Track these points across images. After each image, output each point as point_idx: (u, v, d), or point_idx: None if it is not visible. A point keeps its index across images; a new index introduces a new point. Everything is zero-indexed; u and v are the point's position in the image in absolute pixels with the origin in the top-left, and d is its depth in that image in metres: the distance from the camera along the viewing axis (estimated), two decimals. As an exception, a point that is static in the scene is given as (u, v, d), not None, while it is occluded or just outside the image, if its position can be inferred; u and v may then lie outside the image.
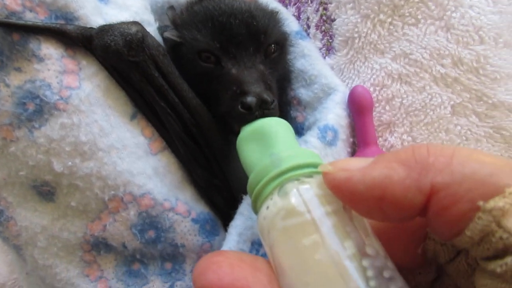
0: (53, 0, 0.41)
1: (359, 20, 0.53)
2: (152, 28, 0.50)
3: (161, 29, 0.52)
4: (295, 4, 0.63)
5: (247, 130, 0.39)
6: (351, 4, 0.54)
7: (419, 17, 0.50)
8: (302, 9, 0.61)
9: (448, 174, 0.21)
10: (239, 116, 0.41)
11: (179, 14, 0.51)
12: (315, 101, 0.54)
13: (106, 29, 0.41)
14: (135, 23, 0.43)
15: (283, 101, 0.57)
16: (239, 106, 0.41)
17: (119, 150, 0.42)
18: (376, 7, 0.52)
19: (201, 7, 0.49)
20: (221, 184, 0.47)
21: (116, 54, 0.41)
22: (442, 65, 0.50)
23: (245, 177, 0.44)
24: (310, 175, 0.29)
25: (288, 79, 0.57)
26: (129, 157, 0.43)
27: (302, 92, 0.55)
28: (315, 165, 0.31)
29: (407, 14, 0.51)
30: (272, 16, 0.51)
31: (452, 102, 0.50)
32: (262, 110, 0.40)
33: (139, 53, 0.41)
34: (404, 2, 0.51)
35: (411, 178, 0.21)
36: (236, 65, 0.44)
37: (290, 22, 0.59)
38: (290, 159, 0.31)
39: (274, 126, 0.38)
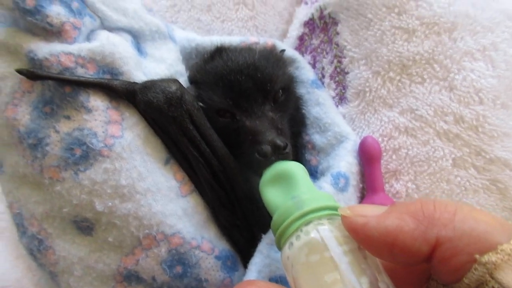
0: (102, 58, 0.46)
1: (370, 75, 0.57)
2: (183, 78, 0.55)
3: (190, 78, 0.57)
4: (311, 52, 0.68)
5: (268, 175, 0.44)
6: (363, 61, 0.59)
7: (425, 76, 0.54)
8: (317, 58, 0.66)
9: (451, 230, 0.25)
10: (258, 163, 0.45)
11: (196, 72, 0.55)
12: (328, 147, 0.59)
13: (148, 86, 0.46)
14: (175, 81, 0.47)
15: (298, 144, 0.62)
16: (256, 154, 0.45)
17: (154, 193, 0.46)
18: (386, 66, 0.57)
19: (213, 66, 0.53)
20: (242, 224, 0.49)
21: (157, 110, 0.46)
22: (445, 122, 0.55)
23: (264, 218, 0.49)
24: (329, 217, 0.33)
25: (304, 124, 0.61)
26: (163, 200, 0.47)
27: (317, 138, 0.60)
28: (333, 208, 0.35)
29: (415, 74, 0.55)
30: (276, 63, 0.54)
31: (453, 156, 0.54)
32: (277, 155, 0.44)
33: (178, 109, 0.46)
34: (412, 62, 0.56)
35: (419, 230, 0.25)
36: (249, 117, 0.48)
37: (306, 71, 0.64)
38: (311, 202, 0.35)
39: (293, 170, 0.43)
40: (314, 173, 0.59)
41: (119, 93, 0.46)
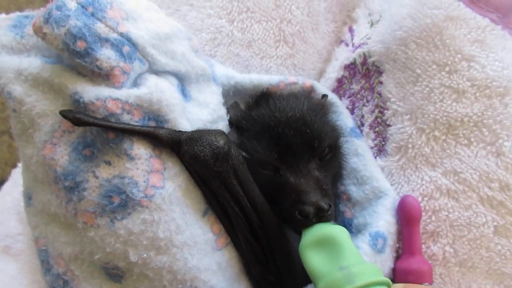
0: (150, 105, 0.45)
1: (414, 132, 0.55)
2: (225, 122, 0.53)
3: (230, 122, 0.55)
4: (349, 97, 0.66)
5: (311, 237, 0.44)
6: (408, 116, 0.57)
7: (472, 139, 0.52)
8: (356, 104, 0.65)
9: None
10: (298, 222, 0.45)
11: (240, 118, 0.53)
12: (365, 201, 0.57)
13: (195, 138, 0.45)
14: (222, 134, 0.46)
15: (333, 193, 0.60)
16: (297, 213, 0.45)
17: (190, 247, 0.45)
18: (432, 124, 0.56)
19: (259, 114, 0.52)
20: (275, 281, 0.50)
21: (203, 164, 0.44)
22: (490, 188, 0.53)
23: (299, 276, 0.48)
24: None
25: (340, 174, 0.60)
26: (199, 254, 0.46)
27: (353, 190, 0.58)
28: (383, 283, 0.36)
29: (461, 135, 0.53)
30: (324, 117, 0.53)
31: (495, 223, 0.52)
32: (319, 217, 0.45)
33: (224, 164, 0.45)
34: (459, 123, 0.54)
35: None
36: (294, 173, 0.47)
37: (345, 118, 0.62)
38: (362, 276, 0.36)
39: (339, 236, 0.42)
40: (348, 226, 0.58)
41: (164, 143, 0.45)
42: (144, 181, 0.43)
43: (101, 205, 0.43)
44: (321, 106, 0.56)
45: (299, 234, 0.46)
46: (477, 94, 0.54)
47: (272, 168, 0.49)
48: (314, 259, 0.42)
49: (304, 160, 0.49)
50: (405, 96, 0.57)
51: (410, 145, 0.56)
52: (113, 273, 0.45)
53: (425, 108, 0.55)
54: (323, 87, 0.66)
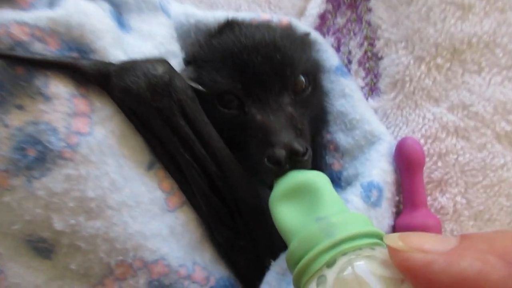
0: (68, 30, 0.35)
1: (411, 61, 0.47)
2: (177, 60, 0.44)
3: (186, 61, 0.46)
4: (334, 33, 0.56)
5: (282, 188, 0.36)
6: (403, 43, 0.48)
7: (483, 64, 0.45)
8: (342, 40, 0.55)
9: None
10: (267, 171, 0.37)
11: (198, 49, 0.45)
12: (355, 149, 0.48)
13: (127, 68, 0.35)
14: (162, 61, 0.37)
15: (317, 143, 0.51)
16: (266, 160, 0.36)
17: (131, 208, 0.37)
18: (433, 49, 0.46)
19: (221, 41, 0.43)
20: (246, 245, 0.41)
21: (137, 99, 0.35)
22: (508, 122, 0.44)
23: (275, 239, 0.39)
24: (369, 248, 0.27)
25: (325, 120, 0.51)
26: (143, 216, 0.37)
27: (341, 137, 0.49)
28: (373, 235, 0.28)
29: (469, 60, 0.45)
30: (301, 43, 0.45)
31: (517, 164, 0.43)
32: (294, 162, 0.36)
33: (165, 98, 0.36)
34: (466, 46, 0.45)
35: None
36: (261, 109, 0.40)
37: (329, 55, 0.53)
38: (344, 227, 0.29)
39: (316, 183, 0.34)
40: (336, 181, 0.49)
41: (89, 77, 0.36)
42: (65, 127, 0.34)
43: (13, 160, 0.34)
44: (300, 39, 0.47)
45: (270, 187, 0.38)
46: (487, 8, 0.45)
47: (235, 105, 0.41)
48: (286, 213, 0.34)
49: (275, 93, 0.40)
50: (399, 21, 0.48)
51: (407, 79, 0.48)
52: (41, 247, 0.37)
53: (423, 31, 0.47)
54: (303, 25, 0.56)
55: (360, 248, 0.27)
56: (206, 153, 0.38)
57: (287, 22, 0.54)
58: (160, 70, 0.36)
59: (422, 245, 0.22)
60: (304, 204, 0.34)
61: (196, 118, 0.37)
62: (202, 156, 0.38)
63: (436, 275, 0.21)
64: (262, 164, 0.37)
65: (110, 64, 0.36)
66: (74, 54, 0.36)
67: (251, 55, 0.40)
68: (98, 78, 0.36)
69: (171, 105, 0.36)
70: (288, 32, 0.46)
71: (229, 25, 0.45)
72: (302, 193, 0.34)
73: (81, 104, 0.36)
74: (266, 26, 0.45)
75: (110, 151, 0.36)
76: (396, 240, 0.23)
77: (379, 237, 0.30)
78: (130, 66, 0.36)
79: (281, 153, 0.36)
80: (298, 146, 0.36)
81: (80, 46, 0.36)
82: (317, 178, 0.35)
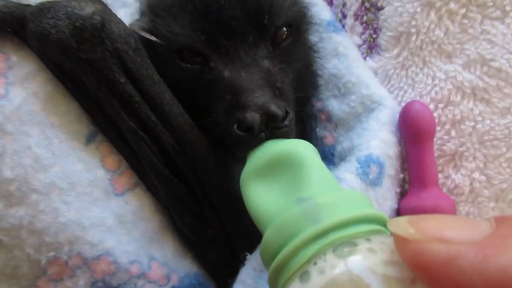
0: None
1: (418, 9, 0.40)
2: (128, 10, 0.36)
3: (142, 13, 0.37)
4: (326, -17, 0.48)
5: (257, 161, 0.29)
6: (408, -13, 0.39)
7: (508, 8, 0.38)
8: (335, -9, 0.46)
9: None
10: (238, 141, 0.30)
11: None
12: (351, 118, 0.41)
13: (46, 8, 0.28)
14: (93, 0, 0.28)
15: (306, 113, 0.43)
16: (235, 127, 0.30)
17: (64, 191, 0.30)
18: (445, -8, 0.38)
19: None
20: (216, 235, 0.35)
21: (59, 48, 0.28)
22: (538, 78, 0.36)
23: (251, 226, 0.32)
24: (366, 236, 0.22)
25: (315, 84, 0.43)
26: (80, 201, 0.30)
27: (334, 105, 0.42)
28: (373, 220, 0.23)
29: (490, 4, 0.39)
30: None
31: (549, 132, 0.35)
32: (271, 129, 0.29)
33: (96, 47, 0.28)
34: (487, -14, 0.37)
35: None
36: (230, 64, 0.33)
37: (319, 8, 0.46)
38: (333, 209, 0.23)
39: (299, 154, 0.28)
40: (329, 157, 0.42)
41: (0, 22, 0.28)
42: None
43: None
44: None
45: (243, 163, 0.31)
46: None
47: (198, 60, 0.33)
48: (260, 194, 0.28)
49: (248, 44, 0.33)
50: None
51: (413, 30, 0.41)
52: None
53: None
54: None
55: (355, 237, 0.21)
56: (157, 120, 0.30)
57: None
58: (88, 9, 0.28)
59: (442, 232, 0.17)
60: (283, 182, 0.27)
61: (142, 74, 0.29)
62: (152, 124, 0.30)
63: (464, 275, 0.15)
64: (231, 132, 0.30)
65: (27, 5, 0.29)
66: None
67: None
68: (11, 24, 0.28)
69: (105, 57, 0.28)
70: None
71: None
72: (281, 168, 0.28)
73: None
74: None
75: (33, 119, 0.29)
76: (405, 225, 0.18)
77: (381, 222, 0.24)
78: (49, 6, 0.28)
79: (253, 117, 0.28)
80: (276, 108, 0.29)
81: None
82: (300, 148, 0.28)
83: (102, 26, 0.28)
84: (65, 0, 0.28)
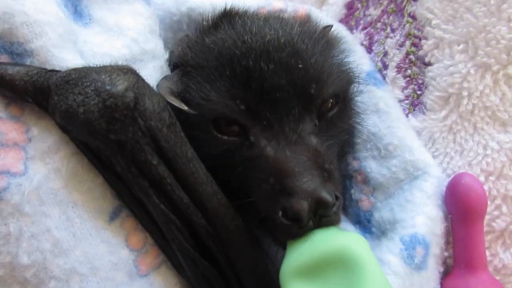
0: None
1: (472, 70, 0.37)
2: (157, 63, 0.33)
3: (173, 65, 0.35)
4: (365, 29, 0.45)
5: (304, 256, 0.26)
6: (461, 46, 0.37)
7: None
8: (376, 38, 0.43)
9: None
10: (282, 229, 0.27)
11: (185, 50, 0.34)
12: (391, 184, 0.38)
13: (73, 80, 0.25)
14: (126, 71, 0.26)
15: (340, 171, 0.40)
16: (280, 214, 0.26)
17: (84, 277, 0.27)
18: (504, 55, 0.35)
19: (216, 39, 0.32)
20: None
21: (86, 128, 0.25)
22: None
23: None
24: None
25: (351, 141, 0.40)
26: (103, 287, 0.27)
27: (372, 167, 0.39)
28: None
29: None
30: (328, 50, 0.34)
31: None
32: (319, 218, 0.27)
33: (127, 128, 0.25)
34: (552, 50, 0.33)
35: None
36: (273, 140, 0.30)
37: (358, 57, 0.42)
38: None
39: (355, 255, 0.25)
40: (365, 223, 0.39)
41: (19, 91, 0.26)
42: None
43: None
44: (322, 36, 0.36)
45: (283, 247, 0.28)
46: None
47: (235, 131, 0.30)
48: None
49: (293, 117, 0.30)
50: (457, 14, 0.38)
51: (465, 93, 0.38)
52: None
53: (492, 30, 0.36)
54: (326, 16, 0.45)
55: None
56: (190, 201, 0.27)
57: (304, 13, 0.43)
58: (120, 85, 0.25)
59: None
60: (333, 283, 0.25)
61: (176, 153, 0.27)
62: (184, 206, 0.27)
63: None
64: (275, 220, 0.27)
65: (51, 72, 0.26)
66: (3, 58, 0.26)
67: (259, 61, 0.29)
68: (33, 94, 0.25)
69: (137, 137, 0.25)
70: (310, 28, 0.34)
71: (228, 16, 0.34)
72: (332, 266, 0.25)
73: (11, 130, 0.26)
74: (278, 19, 0.34)
75: (54, 199, 0.26)
76: None
77: None
78: (77, 78, 0.25)
79: (302, 205, 0.26)
80: (327, 195, 0.26)
81: (11, 45, 0.26)
82: (356, 246, 0.25)
83: (135, 103, 0.25)
84: (95, 70, 0.25)
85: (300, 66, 0.30)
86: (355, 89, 0.40)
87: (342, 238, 0.26)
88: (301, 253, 0.26)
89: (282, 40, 0.30)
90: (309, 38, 0.32)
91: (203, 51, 0.32)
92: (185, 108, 0.28)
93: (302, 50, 0.30)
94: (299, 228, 0.26)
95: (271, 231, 0.29)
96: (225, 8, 0.36)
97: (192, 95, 0.30)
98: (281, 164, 0.28)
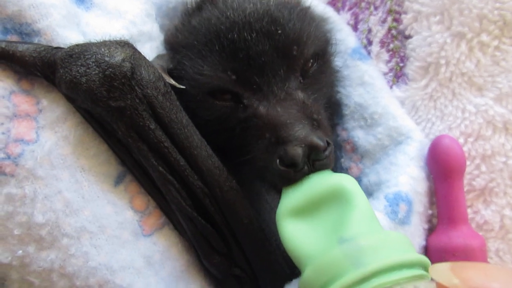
0: (1, 6, 0.27)
1: (448, 40, 0.39)
2: (153, 43, 0.36)
3: (166, 42, 0.37)
4: (351, 9, 0.47)
5: (297, 196, 0.29)
6: (437, 17, 0.39)
7: None
8: (361, 16, 0.46)
9: None
10: (280, 176, 0.30)
11: (175, 32, 0.37)
12: (377, 150, 0.40)
13: (76, 54, 0.28)
14: (124, 45, 0.29)
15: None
16: (278, 162, 0.29)
17: (93, 234, 0.30)
18: (476, 24, 0.37)
19: (202, 19, 0.35)
20: (243, 275, 0.34)
21: (89, 96, 0.27)
22: None
23: (280, 268, 0.33)
24: (408, 282, 0.21)
25: (340, 113, 0.42)
26: (109, 244, 0.30)
27: (359, 136, 0.41)
28: (415, 264, 0.22)
29: None
30: (302, 14, 0.37)
31: None
32: (312, 161, 0.29)
33: (126, 95, 0.28)
34: (521, 17, 0.35)
35: None
36: (264, 100, 0.32)
37: (344, 35, 0.44)
38: (377, 253, 0.23)
39: (346, 190, 0.27)
40: None
41: (29, 67, 0.28)
42: (3, 133, 0.28)
43: None
44: (297, 4, 0.38)
45: (280, 192, 0.31)
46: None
47: (229, 98, 0.33)
48: (299, 230, 0.27)
49: (280, 77, 0.32)
50: None
51: (443, 61, 0.40)
52: None
53: (464, 0, 0.38)
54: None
55: (398, 284, 0.21)
56: (186, 163, 0.30)
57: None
58: (118, 56, 0.27)
59: (487, 285, 0.17)
60: (324, 219, 0.27)
61: (171, 119, 0.29)
62: (181, 168, 0.30)
63: None
64: (274, 168, 0.29)
65: (57, 49, 0.28)
66: (13, 37, 0.28)
67: (242, 32, 0.32)
68: (41, 68, 0.28)
69: (134, 104, 0.28)
70: (288, 1, 0.37)
71: None
72: (325, 204, 0.28)
73: (23, 102, 0.28)
74: None
75: (64, 163, 0.29)
76: (449, 275, 0.18)
77: (423, 266, 0.23)
78: (79, 52, 0.27)
79: (296, 151, 0.28)
80: (318, 140, 0.29)
81: (20, 26, 0.28)
82: (348, 184, 0.28)
83: (132, 73, 0.27)
84: (95, 45, 0.28)
85: (279, 31, 0.32)
86: (341, 64, 0.43)
87: (335, 177, 0.28)
88: (296, 195, 0.28)
89: (261, 11, 0.33)
90: (285, 7, 0.35)
91: (191, 32, 0.35)
92: (174, 83, 0.31)
93: (280, 17, 0.33)
94: (296, 172, 0.29)
95: (269, 180, 0.31)
96: None
97: (186, 71, 0.33)
98: (274, 119, 0.30)
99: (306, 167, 0.29)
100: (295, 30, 0.33)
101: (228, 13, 0.33)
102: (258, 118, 0.31)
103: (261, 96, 0.32)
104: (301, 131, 0.29)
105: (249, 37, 0.32)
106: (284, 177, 0.29)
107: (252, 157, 0.32)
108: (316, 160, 0.29)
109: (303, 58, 0.33)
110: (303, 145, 0.28)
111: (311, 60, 0.34)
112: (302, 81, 0.34)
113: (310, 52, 0.34)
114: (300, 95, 0.32)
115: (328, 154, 0.29)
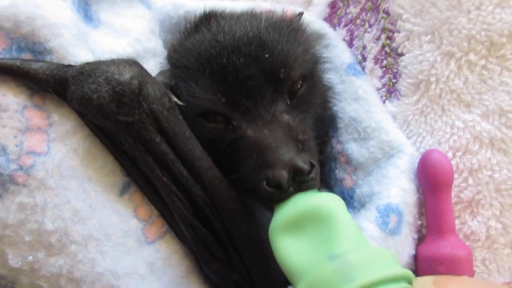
0: (15, 25, 0.29)
1: (438, 58, 0.40)
2: (158, 59, 0.38)
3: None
4: (346, 25, 0.49)
5: (286, 215, 0.30)
6: (428, 36, 0.40)
7: None
8: (356, 33, 0.47)
9: None
10: (267, 196, 0.31)
11: (172, 51, 0.38)
12: (370, 163, 0.41)
13: (87, 72, 0.29)
14: (131, 63, 0.30)
15: (326, 155, 0.44)
16: (264, 183, 0.31)
17: (100, 241, 0.31)
18: (465, 44, 0.39)
19: (195, 41, 0.36)
20: (241, 281, 0.36)
21: (99, 112, 0.29)
22: (557, 132, 0.36)
23: (275, 272, 0.34)
24: None
25: (335, 127, 0.44)
26: (115, 251, 0.32)
27: (353, 148, 0.42)
28: (400, 278, 0.24)
29: (510, 56, 0.38)
30: (292, 35, 0.38)
31: None
32: (298, 183, 0.30)
33: (134, 111, 0.29)
34: (506, 39, 0.38)
35: None
36: (252, 123, 0.33)
37: (340, 51, 0.46)
38: (365, 268, 0.24)
39: (329, 209, 0.28)
40: (348, 199, 0.43)
41: (42, 84, 0.30)
42: (17, 145, 0.29)
43: (-42, 186, 0.28)
44: (289, 23, 0.39)
45: (271, 210, 0.32)
46: (533, -7, 0.36)
47: (220, 120, 0.34)
48: (290, 247, 0.29)
49: (267, 101, 0.33)
50: (423, 9, 0.42)
51: (433, 79, 0.41)
52: (3, 284, 0.32)
53: (454, 21, 0.40)
54: (311, 16, 0.50)
55: None
56: (189, 174, 0.31)
57: (291, 13, 0.47)
58: (127, 74, 0.29)
59: None
60: (313, 236, 0.28)
61: (175, 132, 0.31)
62: (184, 179, 0.31)
63: None
64: (261, 189, 0.31)
65: (68, 67, 0.30)
66: (27, 55, 0.30)
67: (230, 57, 0.33)
68: (53, 85, 0.29)
69: (142, 119, 0.29)
70: (278, 20, 0.38)
71: (206, 19, 0.38)
72: (311, 222, 0.29)
73: (35, 117, 0.30)
74: (249, 15, 0.38)
75: (72, 174, 0.30)
76: None
77: (408, 279, 0.25)
78: (90, 70, 0.29)
79: (281, 174, 0.29)
80: (302, 163, 0.30)
81: (33, 45, 0.30)
82: (330, 203, 0.29)
83: (140, 90, 0.29)
84: (105, 63, 0.29)
85: (267, 56, 0.33)
86: (336, 79, 0.45)
87: (318, 197, 0.29)
88: (285, 212, 0.29)
89: (250, 35, 0.34)
90: (275, 29, 0.36)
91: (186, 53, 0.36)
92: (176, 100, 0.32)
93: (268, 41, 0.34)
94: (282, 193, 0.30)
95: (259, 198, 0.33)
96: (204, 11, 0.40)
97: (181, 92, 0.34)
98: (260, 142, 0.32)
99: (291, 188, 0.30)
100: (282, 53, 0.34)
101: (219, 37, 0.34)
102: (246, 140, 0.33)
103: (249, 119, 0.33)
104: (286, 154, 0.30)
105: (237, 61, 0.33)
106: (271, 197, 0.30)
107: (243, 175, 0.33)
108: (302, 182, 0.30)
109: (290, 80, 0.34)
110: (287, 168, 0.29)
111: (299, 82, 0.35)
112: (289, 103, 0.35)
113: (297, 74, 0.35)
114: (285, 117, 0.33)
115: (315, 176, 0.30)
